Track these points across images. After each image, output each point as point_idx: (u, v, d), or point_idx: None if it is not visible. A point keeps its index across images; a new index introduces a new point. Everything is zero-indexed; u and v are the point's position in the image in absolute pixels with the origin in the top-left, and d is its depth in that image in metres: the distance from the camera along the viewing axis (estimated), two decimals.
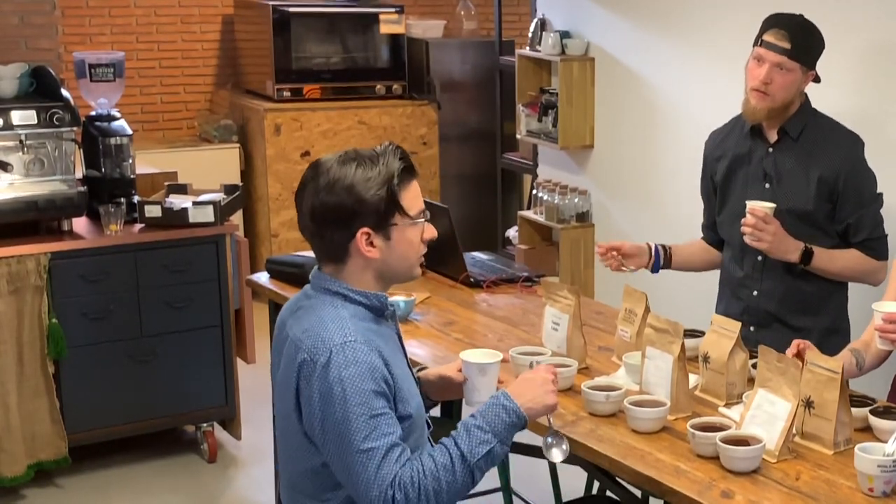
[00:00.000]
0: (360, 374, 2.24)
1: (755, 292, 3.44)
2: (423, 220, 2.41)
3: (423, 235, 2.42)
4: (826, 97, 3.53)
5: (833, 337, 3.38)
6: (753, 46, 3.34)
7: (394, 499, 2.21)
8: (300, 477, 2.39)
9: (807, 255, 3.29)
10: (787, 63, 3.26)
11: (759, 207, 3.27)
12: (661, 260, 3.62)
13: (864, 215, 3.32)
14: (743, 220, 3.30)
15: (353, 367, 2.24)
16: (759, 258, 3.41)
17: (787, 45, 3.25)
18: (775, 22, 3.31)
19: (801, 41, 3.27)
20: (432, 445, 2.40)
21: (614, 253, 3.54)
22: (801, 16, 3.35)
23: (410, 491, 2.21)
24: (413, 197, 2.38)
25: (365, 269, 2.37)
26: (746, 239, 3.31)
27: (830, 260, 3.32)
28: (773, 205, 3.29)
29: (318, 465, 2.33)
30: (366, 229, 2.32)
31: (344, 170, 2.31)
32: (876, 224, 3.35)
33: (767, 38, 3.29)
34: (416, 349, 3.28)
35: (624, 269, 3.58)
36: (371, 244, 2.33)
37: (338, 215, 2.31)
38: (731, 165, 3.47)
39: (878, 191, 3.38)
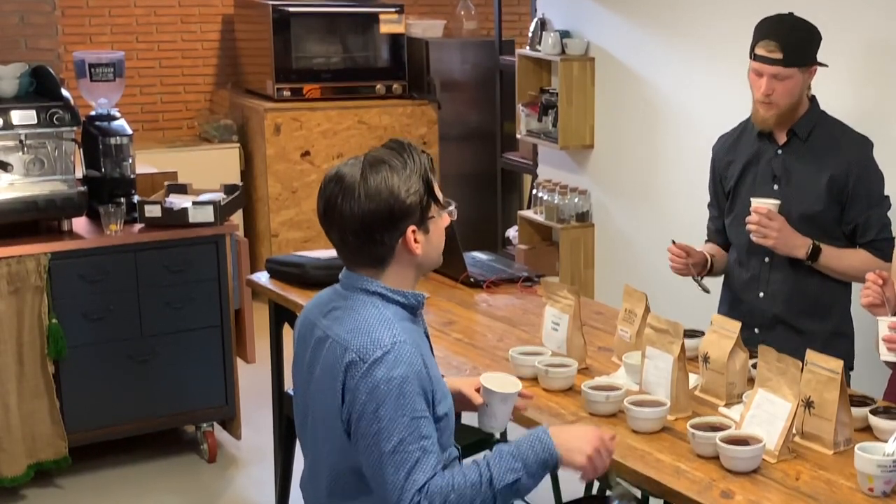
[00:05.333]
0: (407, 375, 2.26)
1: (761, 294, 3.44)
2: (451, 206, 2.47)
3: (445, 222, 2.47)
4: (829, 96, 3.53)
5: (838, 340, 3.37)
6: (749, 58, 3.32)
7: None
8: (346, 476, 2.37)
9: (815, 252, 3.29)
10: (783, 72, 3.24)
11: (762, 205, 3.27)
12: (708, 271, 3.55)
13: (872, 216, 3.32)
14: (747, 218, 3.30)
15: (402, 367, 2.26)
16: (766, 260, 3.40)
17: (778, 56, 3.23)
18: (764, 32, 3.28)
19: (792, 47, 3.24)
20: (458, 447, 2.44)
21: (685, 256, 3.44)
22: (789, 15, 3.32)
23: (437, 501, 2.22)
24: (438, 187, 2.43)
25: (407, 267, 2.40)
26: (752, 237, 3.30)
27: (838, 258, 3.32)
28: (777, 201, 3.29)
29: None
30: (413, 227, 2.35)
31: (380, 175, 2.32)
32: (884, 225, 3.34)
33: (759, 51, 3.27)
34: None
35: (689, 272, 3.47)
36: (415, 240, 2.37)
37: (388, 218, 2.32)
38: (742, 169, 3.46)
39: (886, 193, 3.38)
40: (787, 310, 3.41)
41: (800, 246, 3.29)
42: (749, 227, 3.29)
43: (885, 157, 3.48)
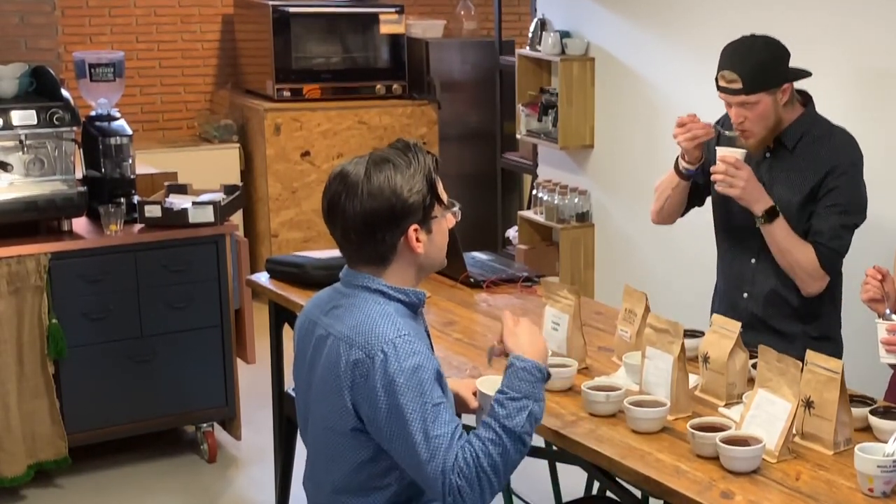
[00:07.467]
0: (419, 364, 2.29)
1: (745, 294, 3.43)
2: (455, 207, 2.49)
3: (450, 223, 2.49)
4: (820, 109, 3.50)
5: (824, 344, 3.28)
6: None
7: (458, 485, 2.26)
8: (351, 472, 2.39)
9: (772, 213, 3.22)
10: (748, 99, 3.19)
11: (730, 154, 3.22)
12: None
13: (832, 220, 3.23)
14: (712, 167, 3.25)
15: (412, 358, 2.29)
16: (752, 261, 3.38)
17: (738, 86, 3.18)
18: (723, 62, 3.22)
19: (751, 73, 3.17)
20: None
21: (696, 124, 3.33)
22: (749, 38, 3.25)
23: (467, 472, 2.26)
24: (442, 188, 2.45)
25: (409, 266, 2.43)
26: (718, 187, 3.24)
27: (788, 235, 3.23)
28: (744, 150, 3.24)
29: (368, 457, 2.37)
30: (415, 226, 2.38)
31: (384, 174, 2.35)
32: (835, 236, 3.24)
33: (721, 83, 3.23)
34: None
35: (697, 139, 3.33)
36: (417, 239, 2.39)
37: (390, 217, 2.35)
38: None
39: (862, 214, 3.27)
40: (767, 312, 3.38)
41: (761, 201, 3.22)
42: (715, 177, 3.23)
43: (871, 172, 3.40)
